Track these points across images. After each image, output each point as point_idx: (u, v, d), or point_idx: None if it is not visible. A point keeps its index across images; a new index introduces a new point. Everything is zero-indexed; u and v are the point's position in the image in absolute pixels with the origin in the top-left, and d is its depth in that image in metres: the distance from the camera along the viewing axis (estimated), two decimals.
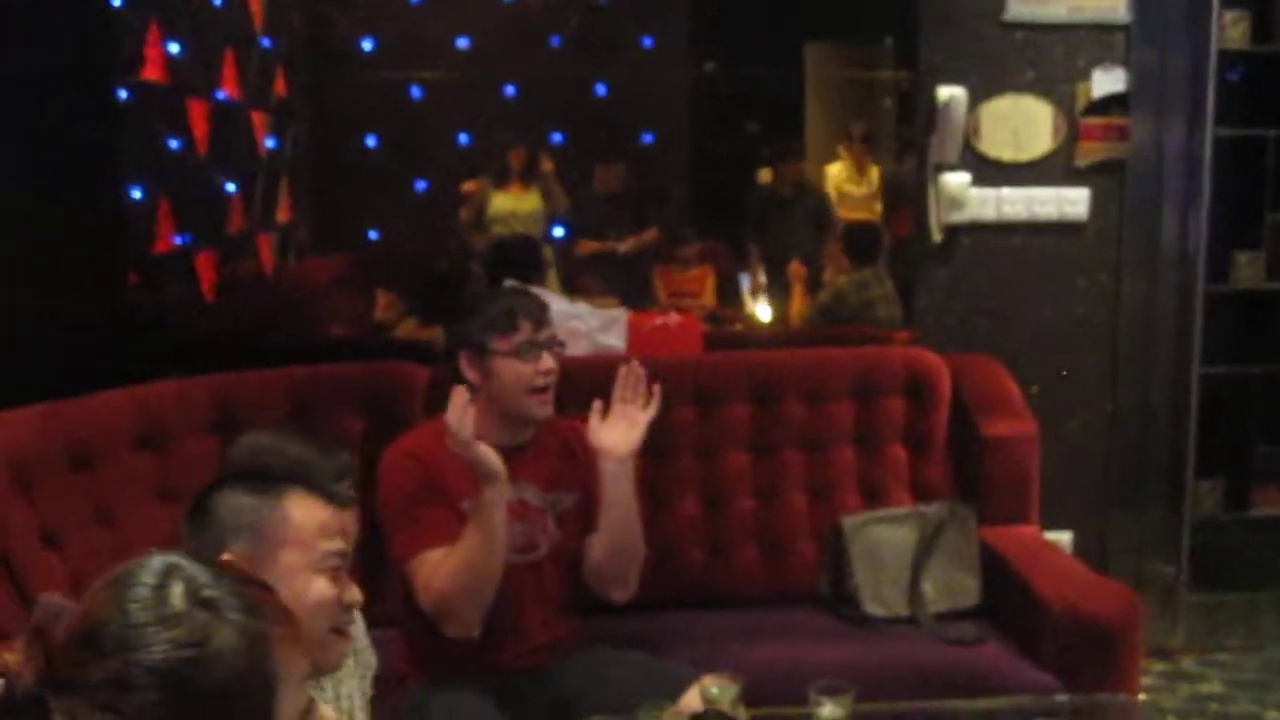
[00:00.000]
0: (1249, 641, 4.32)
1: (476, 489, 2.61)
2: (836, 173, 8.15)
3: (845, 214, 7.46)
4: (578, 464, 2.87)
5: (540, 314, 2.80)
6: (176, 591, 1.19)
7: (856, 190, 7.93)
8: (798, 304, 6.27)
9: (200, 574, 1.21)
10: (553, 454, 2.87)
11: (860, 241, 5.97)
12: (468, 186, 7.26)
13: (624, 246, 7.34)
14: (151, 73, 5.43)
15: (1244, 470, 4.46)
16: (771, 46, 8.58)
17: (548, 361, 2.76)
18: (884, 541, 3.42)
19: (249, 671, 1.18)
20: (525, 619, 2.78)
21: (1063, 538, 4.07)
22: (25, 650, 1.22)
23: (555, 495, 2.83)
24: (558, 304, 4.02)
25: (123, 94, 4.88)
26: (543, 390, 2.76)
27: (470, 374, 2.77)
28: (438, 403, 3.10)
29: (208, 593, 1.20)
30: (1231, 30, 4.17)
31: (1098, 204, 4.07)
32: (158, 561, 1.23)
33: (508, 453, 2.78)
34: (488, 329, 2.75)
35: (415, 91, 8.47)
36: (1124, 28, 4.02)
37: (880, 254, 5.93)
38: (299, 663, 1.24)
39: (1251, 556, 4.48)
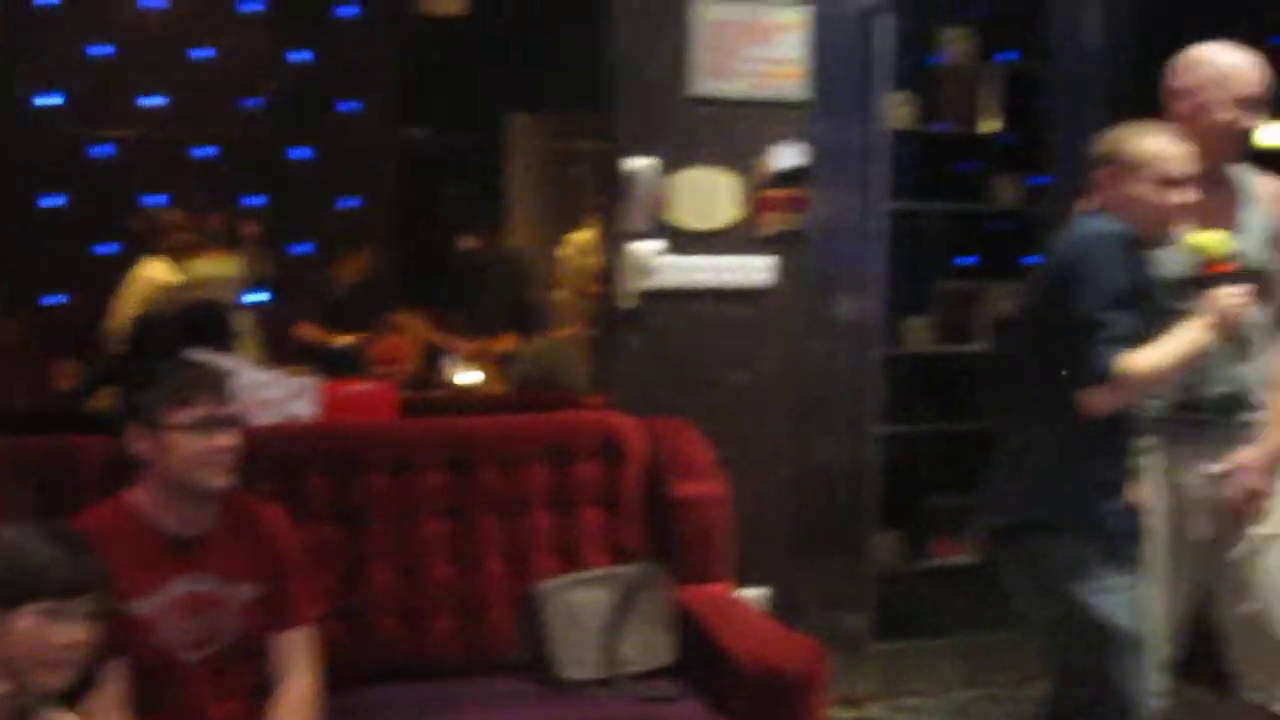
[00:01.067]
0: (933, 686, 4.53)
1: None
2: (581, 241, 7.76)
3: (589, 288, 7.30)
4: (261, 548, 2.77)
5: (221, 388, 2.70)
6: None
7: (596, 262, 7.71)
8: (492, 379, 6.24)
9: None
10: (235, 540, 2.74)
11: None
12: None
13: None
14: None
15: (920, 522, 4.72)
16: (477, 115, 8.63)
17: (225, 439, 2.65)
18: (581, 604, 3.45)
19: None
20: (207, 717, 2.66)
21: (758, 594, 4.19)
22: None
23: (238, 585, 2.71)
24: (249, 374, 3.90)
25: None
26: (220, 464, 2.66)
27: (141, 447, 2.63)
28: (115, 479, 2.95)
29: None
30: (899, 111, 4.47)
31: (781, 272, 4.20)
32: None
33: (185, 544, 2.67)
34: (163, 401, 2.62)
35: (104, 150, 8.11)
36: (804, 105, 4.20)
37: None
38: None
39: (932, 605, 4.74)
